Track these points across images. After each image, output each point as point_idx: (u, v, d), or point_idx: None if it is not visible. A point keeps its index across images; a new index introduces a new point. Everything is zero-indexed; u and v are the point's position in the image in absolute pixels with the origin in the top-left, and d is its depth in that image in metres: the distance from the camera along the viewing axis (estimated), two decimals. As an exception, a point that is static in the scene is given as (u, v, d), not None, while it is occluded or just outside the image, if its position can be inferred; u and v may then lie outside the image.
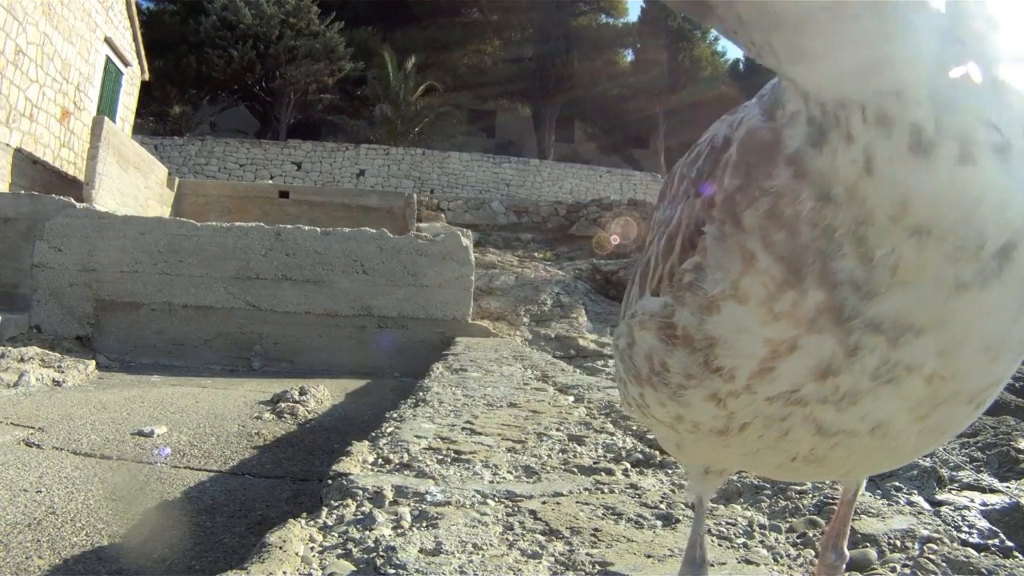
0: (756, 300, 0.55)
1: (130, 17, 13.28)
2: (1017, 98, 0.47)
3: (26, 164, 9.16)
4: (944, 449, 2.50)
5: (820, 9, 0.44)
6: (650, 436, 2.16)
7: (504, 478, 1.72)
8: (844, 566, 0.85)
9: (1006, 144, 0.46)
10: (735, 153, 0.58)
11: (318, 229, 6.85)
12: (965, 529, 1.48)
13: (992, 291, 0.49)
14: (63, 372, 4.74)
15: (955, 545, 1.31)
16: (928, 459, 2.07)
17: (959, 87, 0.45)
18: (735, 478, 1.69)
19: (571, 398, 3.18)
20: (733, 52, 28.09)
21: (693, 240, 0.61)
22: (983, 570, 1.19)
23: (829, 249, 0.51)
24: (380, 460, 1.83)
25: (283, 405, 4.00)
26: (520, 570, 1.17)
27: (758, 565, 1.23)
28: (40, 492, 2.25)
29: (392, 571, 1.14)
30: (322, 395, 4.43)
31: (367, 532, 1.29)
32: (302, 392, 4.25)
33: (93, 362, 5.34)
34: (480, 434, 2.21)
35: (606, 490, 1.67)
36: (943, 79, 0.45)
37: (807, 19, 0.45)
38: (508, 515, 1.44)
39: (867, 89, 0.46)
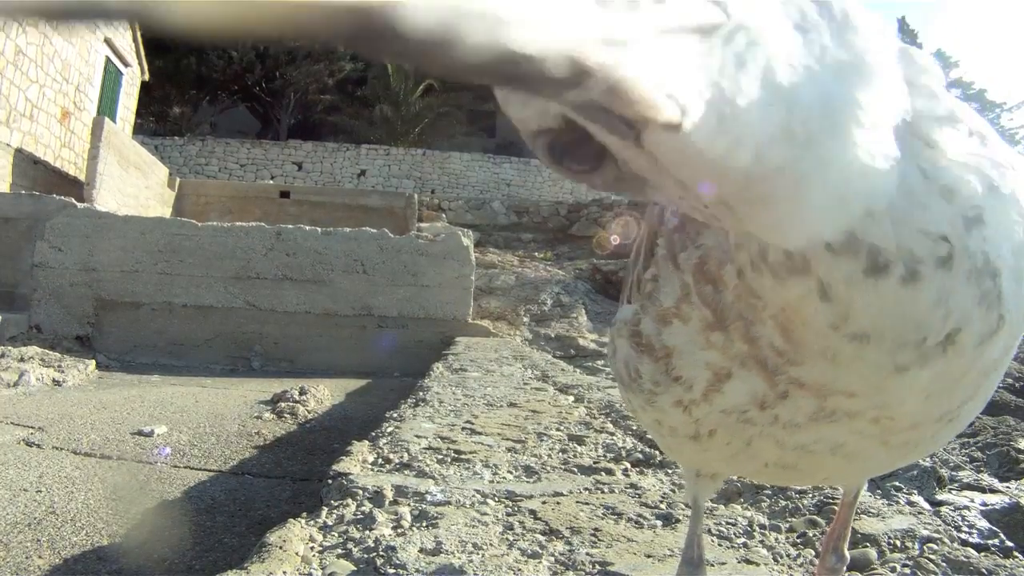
0: (694, 327, 0.57)
1: (130, 17, 13.25)
2: (972, 187, 0.46)
3: (27, 164, 9.16)
4: (944, 449, 2.50)
5: (788, 166, 0.38)
6: (650, 436, 2.16)
7: (504, 478, 1.72)
8: (844, 568, 0.85)
9: (950, 254, 0.45)
10: None
11: (319, 229, 6.85)
12: (965, 529, 1.48)
13: (934, 367, 0.49)
14: (63, 372, 4.74)
15: (955, 545, 1.31)
16: (928, 459, 2.07)
17: (911, 199, 0.44)
18: (735, 478, 1.69)
19: (571, 398, 3.18)
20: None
21: (652, 249, 0.62)
22: (983, 570, 1.19)
23: (751, 317, 0.51)
24: (380, 460, 1.83)
25: (283, 405, 4.00)
26: (520, 570, 1.17)
27: (758, 565, 1.23)
28: (40, 492, 2.25)
29: (392, 571, 1.14)
30: (322, 395, 4.42)
31: (367, 532, 1.29)
32: (302, 392, 4.24)
33: (93, 362, 5.34)
34: (480, 434, 2.21)
35: (606, 490, 1.67)
36: (899, 194, 0.43)
37: (773, 181, 0.38)
38: (508, 515, 1.44)
39: (837, 224, 0.42)
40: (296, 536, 1.28)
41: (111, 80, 12.53)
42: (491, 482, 1.67)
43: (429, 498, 1.51)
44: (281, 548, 1.21)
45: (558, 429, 2.35)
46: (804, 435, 0.57)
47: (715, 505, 1.57)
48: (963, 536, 1.42)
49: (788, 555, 1.29)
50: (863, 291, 0.44)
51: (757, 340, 0.52)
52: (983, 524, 1.52)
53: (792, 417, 0.55)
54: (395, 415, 2.54)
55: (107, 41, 12.06)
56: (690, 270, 0.55)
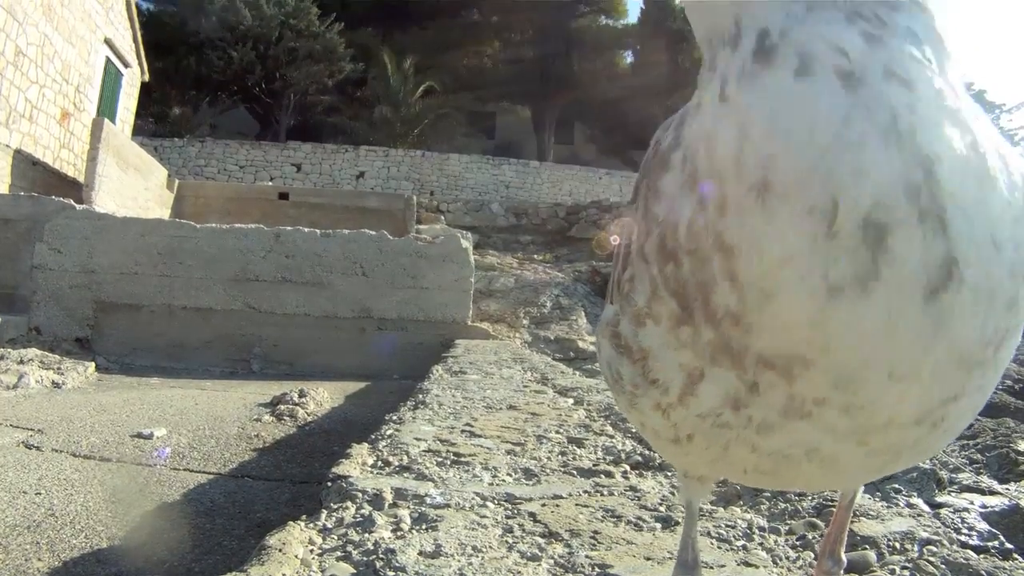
0: (664, 327, 0.57)
1: (130, 18, 13.28)
2: (902, 40, 0.47)
3: (26, 165, 9.16)
4: (943, 451, 2.49)
5: None
6: (649, 438, 2.16)
7: (503, 480, 1.72)
8: (842, 572, 0.85)
9: (851, 73, 0.45)
10: (644, 177, 0.61)
11: (318, 231, 6.85)
12: (965, 531, 1.48)
13: (872, 298, 0.45)
14: (63, 374, 4.74)
15: (955, 547, 1.31)
16: (927, 461, 2.07)
17: (817, 12, 0.47)
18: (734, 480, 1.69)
19: (570, 400, 3.18)
20: (733, 54, 28.11)
21: (630, 249, 0.62)
22: (983, 572, 1.19)
23: (706, 280, 0.51)
24: (380, 462, 1.83)
25: (283, 407, 4.00)
26: (519, 572, 1.17)
27: (757, 567, 1.23)
28: (39, 494, 2.25)
29: (392, 573, 1.14)
30: (322, 397, 4.42)
31: (367, 534, 1.29)
32: (301, 394, 4.24)
33: (92, 364, 5.34)
34: (479, 436, 2.21)
35: (605, 492, 1.67)
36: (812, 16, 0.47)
37: None
38: (507, 517, 1.44)
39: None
40: (295, 539, 1.28)
41: (111, 81, 12.53)
42: (490, 485, 1.67)
43: (428, 501, 1.51)
44: (280, 551, 1.21)
45: (557, 432, 2.35)
46: (778, 438, 0.56)
47: (714, 507, 1.57)
48: (963, 538, 1.42)
49: (787, 557, 1.30)
50: (755, 82, 0.47)
51: (716, 314, 0.51)
52: (983, 526, 1.52)
53: (765, 416, 0.55)
54: (394, 418, 2.54)
55: (107, 42, 12.07)
56: (654, 254, 0.56)
